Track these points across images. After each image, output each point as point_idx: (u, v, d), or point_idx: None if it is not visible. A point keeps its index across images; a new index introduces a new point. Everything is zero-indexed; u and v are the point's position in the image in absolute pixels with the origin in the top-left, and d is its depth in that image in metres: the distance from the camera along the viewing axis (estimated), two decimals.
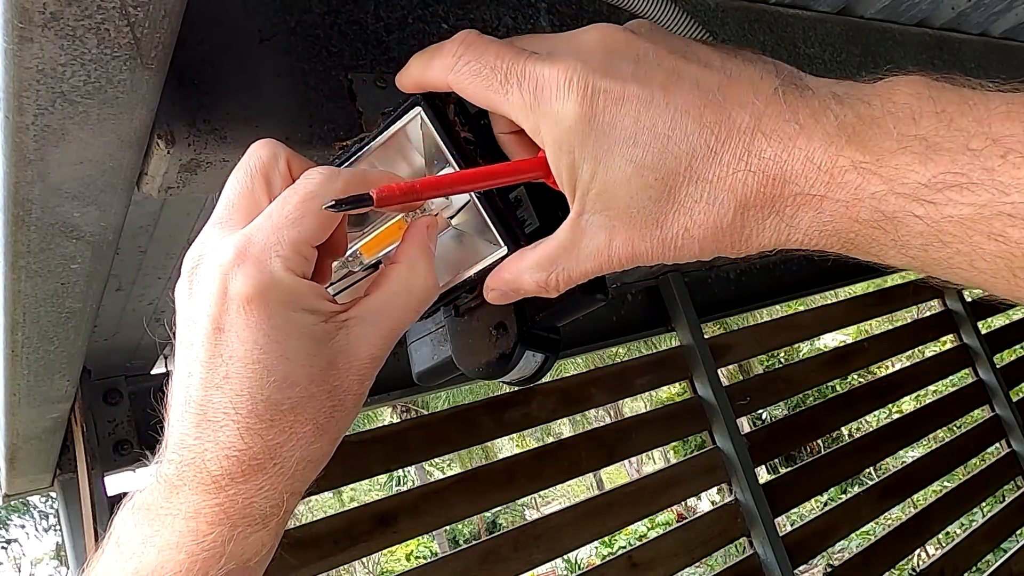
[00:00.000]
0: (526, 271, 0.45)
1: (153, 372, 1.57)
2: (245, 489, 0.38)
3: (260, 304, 0.38)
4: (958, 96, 0.32)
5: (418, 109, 0.46)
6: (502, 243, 0.47)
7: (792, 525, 2.59)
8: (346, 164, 0.50)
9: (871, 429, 3.05)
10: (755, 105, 0.35)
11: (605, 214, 0.39)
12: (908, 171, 0.31)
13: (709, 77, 0.36)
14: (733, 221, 0.36)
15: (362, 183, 0.43)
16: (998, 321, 4.21)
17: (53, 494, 1.57)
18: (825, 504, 5.09)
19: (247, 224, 0.41)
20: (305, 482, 0.41)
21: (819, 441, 7.69)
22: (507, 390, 2.06)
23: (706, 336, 2.46)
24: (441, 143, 0.46)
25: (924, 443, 3.30)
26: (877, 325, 4.36)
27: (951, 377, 3.50)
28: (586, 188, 0.39)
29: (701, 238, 0.37)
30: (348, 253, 0.50)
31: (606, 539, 9.35)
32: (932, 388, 3.90)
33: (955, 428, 3.44)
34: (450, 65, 0.42)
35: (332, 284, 0.51)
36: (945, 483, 3.30)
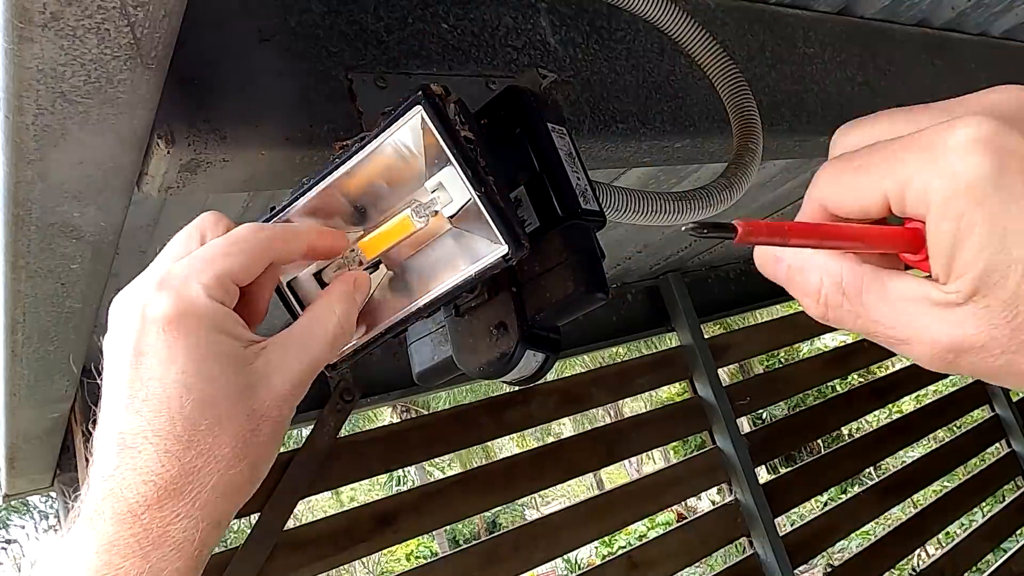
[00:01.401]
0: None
1: None
2: (161, 516, 0.38)
3: (179, 324, 0.40)
4: None
5: (418, 108, 0.46)
6: (503, 242, 0.47)
7: (792, 525, 2.59)
8: (346, 162, 0.49)
9: (871, 429, 3.05)
10: None
11: (983, 303, 0.30)
12: None
13: None
14: None
15: (291, 236, 0.46)
16: None
17: (53, 494, 1.57)
18: (825, 504, 5.08)
19: None
20: (225, 514, 0.41)
21: (819, 441, 7.68)
22: (507, 390, 2.06)
23: (706, 336, 2.46)
24: (442, 142, 0.46)
25: (924, 443, 3.30)
26: None
27: (951, 376, 3.50)
28: (967, 265, 0.30)
29: None
30: (348, 252, 0.50)
31: (606, 539, 9.35)
32: (932, 388, 3.90)
33: (955, 428, 3.44)
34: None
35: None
36: (945, 483, 3.30)
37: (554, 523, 2.06)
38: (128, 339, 0.40)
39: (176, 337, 0.39)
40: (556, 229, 0.56)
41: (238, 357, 0.41)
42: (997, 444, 3.35)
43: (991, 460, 3.30)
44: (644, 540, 2.32)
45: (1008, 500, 3.24)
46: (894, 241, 0.35)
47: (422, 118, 0.46)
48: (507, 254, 0.47)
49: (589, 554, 10.88)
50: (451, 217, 0.48)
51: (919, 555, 6.38)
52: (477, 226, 0.48)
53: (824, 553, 2.79)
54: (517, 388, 2.02)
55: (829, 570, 2.93)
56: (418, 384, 0.63)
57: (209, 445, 0.39)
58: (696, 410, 2.42)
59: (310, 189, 0.50)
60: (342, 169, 0.49)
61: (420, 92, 0.46)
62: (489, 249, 0.48)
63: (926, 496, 3.28)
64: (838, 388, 5.10)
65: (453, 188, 0.47)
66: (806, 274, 0.36)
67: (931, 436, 3.29)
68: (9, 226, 0.61)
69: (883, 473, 3.19)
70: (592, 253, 0.56)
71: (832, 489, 4.17)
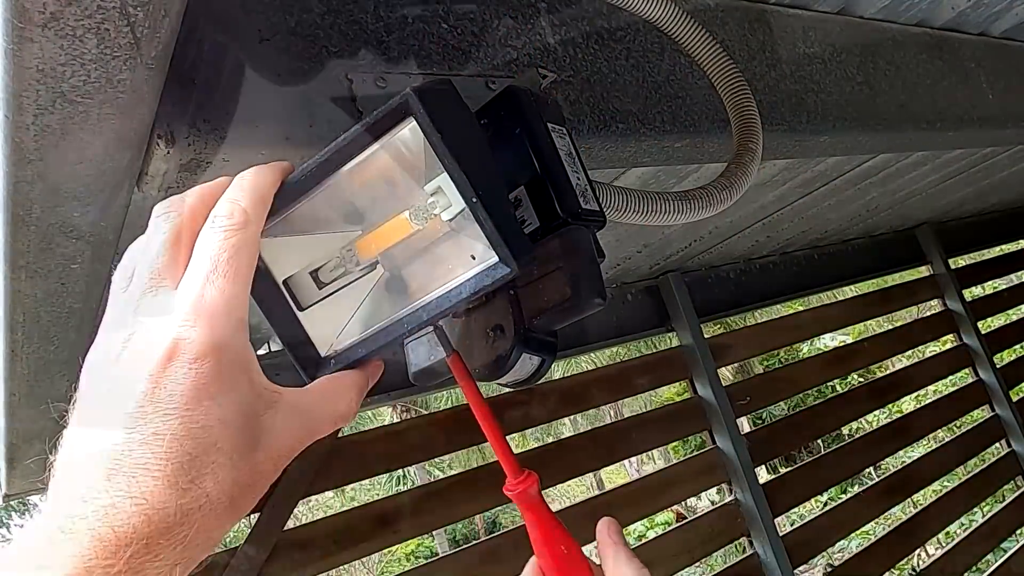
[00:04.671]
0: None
1: None
2: (144, 551, 0.36)
3: (214, 363, 0.38)
4: None
5: (411, 119, 0.45)
6: (500, 261, 0.46)
7: (792, 525, 2.59)
8: (330, 160, 0.48)
9: (871, 429, 3.05)
10: None
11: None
12: None
13: None
14: None
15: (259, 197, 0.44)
16: (998, 321, 4.21)
17: None
18: (825, 504, 5.08)
19: (177, 281, 0.41)
20: (194, 560, 0.39)
21: (819, 441, 7.68)
22: (507, 390, 2.06)
23: (706, 336, 2.46)
24: (434, 152, 0.45)
25: (924, 443, 3.30)
26: (877, 325, 4.36)
27: (951, 377, 3.50)
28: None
29: None
30: (345, 251, 0.50)
31: None
32: (932, 388, 3.89)
33: (955, 428, 3.44)
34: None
35: (328, 284, 0.51)
36: (945, 483, 3.29)
37: None
38: (148, 369, 0.38)
39: (208, 376, 0.38)
40: (554, 233, 0.56)
41: (254, 406, 0.40)
42: (997, 444, 3.35)
43: (991, 460, 3.30)
44: (644, 540, 2.32)
45: (1008, 500, 3.24)
46: None
47: (416, 122, 0.45)
48: (509, 273, 0.45)
49: (589, 554, 10.88)
50: (449, 220, 0.48)
51: (919, 555, 6.38)
52: (474, 230, 0.47)
53: (824, 553, 2.79)
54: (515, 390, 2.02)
55: (829, 570, 2.93)
56: (413, 384, 0.63)
57: (208, 490, 0.38)
58: (696, 410, 2.42)
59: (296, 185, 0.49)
60: (328, 175, 0.48)
61: (414, 94, 0.44)
62: (488, 252, 0.47)
63: (926, 496, 3.28)
64: (838, 388, 5.11)
65: (452, 194, 0.46)
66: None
67: (931, 436, 3.28)
68: (9, 226, 0.61)
69: (883, 473, 3.19)
70: (590, 257, 0.56)
71: (832, 489, 4.17)
